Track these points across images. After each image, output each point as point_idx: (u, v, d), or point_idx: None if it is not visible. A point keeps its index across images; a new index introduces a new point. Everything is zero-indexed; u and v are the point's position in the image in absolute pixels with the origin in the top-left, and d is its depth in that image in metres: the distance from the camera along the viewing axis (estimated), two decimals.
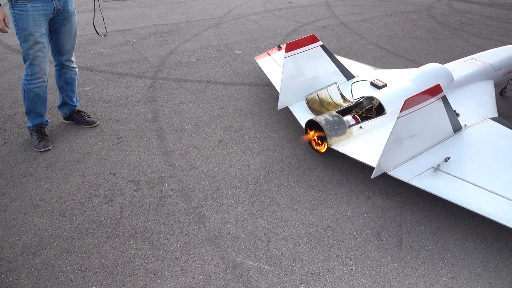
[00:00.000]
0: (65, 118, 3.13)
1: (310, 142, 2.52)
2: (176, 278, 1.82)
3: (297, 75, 2.79)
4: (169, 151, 2.77)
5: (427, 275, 1.82)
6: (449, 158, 2.14)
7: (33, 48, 2.51)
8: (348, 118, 2.48)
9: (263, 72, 3.57)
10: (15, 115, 3.27)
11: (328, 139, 2.35)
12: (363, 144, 2.37)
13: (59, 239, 2.04)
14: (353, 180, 2.46)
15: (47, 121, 2.91)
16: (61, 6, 2.54)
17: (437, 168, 2.09)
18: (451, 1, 7.29)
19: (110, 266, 1.88)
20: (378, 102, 2.54)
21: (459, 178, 2.04)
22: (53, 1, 2.47)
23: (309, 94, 2.82)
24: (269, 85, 3.70)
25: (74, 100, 3.07)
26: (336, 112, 2.52)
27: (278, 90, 2.92)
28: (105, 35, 3.02)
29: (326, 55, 2.90)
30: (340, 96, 2.84)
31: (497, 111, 2.59)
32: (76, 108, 3.11)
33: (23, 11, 2.40)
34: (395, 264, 1.88)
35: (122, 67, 4.26)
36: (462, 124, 2.39)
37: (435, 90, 2.05)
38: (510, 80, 3.42)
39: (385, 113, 2.51)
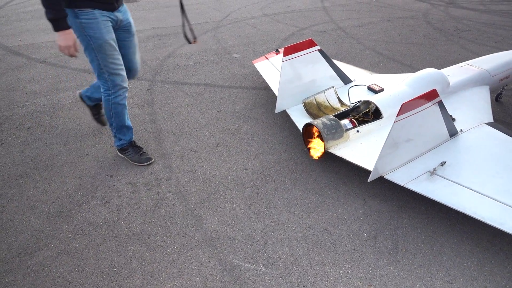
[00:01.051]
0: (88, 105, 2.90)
1: (306, 144, 2.54)
2: (173, 280, 1.82)
3: (295, 79, 2.81)
4: (166, 154, 2.77)
5: (422, 278, 1.83)
6: (445, 162, 2.16)
7: (111, 56, 2.25)
8: (345, 122, 2.50)
9: (260, 75, 3.59)
10: (13, 116, 3.26)
11: (325, 142, 2.37)
12: (360, 148, 2.38)
13: (56, 240, 2.04)
14: (349, 183, 2.48)
15: (133, 134, 2.71)
16: (123, 17, 2.31)
17: (433, 172, 2.10)
18: (447, 7, 7.35)
19: (107, 267, 1.88)
20: (375, 106, 2.56)
21: (455, 182, 2.06)
22: (114, 13, 2.23)
23: (307, 98, 2.84)
24: (267, 88, 3.72)
25: (93, 99, 2.84)
26: (333, 116, 2.54)
27: (276, 93, 2.93)
28: (195, 41, 2.71)
29: (323, 59, 2.92)
30: (337, 100, 2.86)
31: (493, 116, 2.61)
32: (100, 103, 2.84)
33: (91, 18, 2.11)
34: (391, 267, 1.89)
35: None
36: (458, 129, 2.41)
37: (431, 95, 2.07)
38: (505, 85, 3.46)
39: (382, 117, 2.52)
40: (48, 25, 5.99)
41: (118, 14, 2.27)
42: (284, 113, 2.90)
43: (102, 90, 2.42)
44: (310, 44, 2.81)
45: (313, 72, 2.88)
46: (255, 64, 3.74)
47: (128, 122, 2.61)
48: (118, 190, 2.41)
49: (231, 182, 2.48)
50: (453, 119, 2.48)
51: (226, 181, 2.49)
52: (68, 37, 2.05)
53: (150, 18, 6.38)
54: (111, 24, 2.24)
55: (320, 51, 2.89)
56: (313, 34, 5.59)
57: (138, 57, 2.57)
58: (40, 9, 6.82)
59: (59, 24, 2.01)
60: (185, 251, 1.98)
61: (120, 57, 2.33)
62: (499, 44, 5.30)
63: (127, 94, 2.48)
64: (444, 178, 2.09)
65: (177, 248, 1.99)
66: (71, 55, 2.14)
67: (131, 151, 2.66)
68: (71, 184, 2.46)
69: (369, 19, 6.47)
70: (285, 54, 2.70)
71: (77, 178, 2.52)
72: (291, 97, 2.84)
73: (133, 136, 2.70)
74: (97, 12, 2.13)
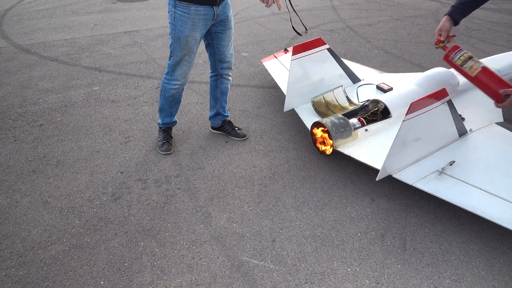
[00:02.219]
0: (214, 128, 3.04)
1: (315, 143, 2.55)
2: (182, 275, 1.85)
3: (304, 78, 2.82)
4: (176, 151, 2.80)
5: (430, 277, 1.84)
6: (454, 161, 2.16)
7: (182, 51, 2.43)
8: (353, 120, 2.50)
9: (269, 74, 3.60)
10: (25, 113, 3.32)
11: (333, 141, 2.38)
12: (369, 146, 2.39)
13: (68, 235, 2.08)
14: (357, 182, 2.49)
15: (175, 121, 2.88)
16: (221, 12, 2.43)
17: (442, 172, 2.10)
18: None
19: (117, 262, 1.92)
20: (383, 105, 2.56)
21: (463, 182, 2.06)
22: (214, 7, 2.37)
23: (315, 96, 2.85)
24: (275, 87, 3.74)
25: (226, 110, 2.98)
26: (342, 114, 2.54)
27: (284, 92, 2.95)
28: (305, 33, 2.77)
29: (332, 58, 2.93)
30: (346, 99, 2.87)
31: (503, 116, 2.60)
32: (227, 119, 3.01)
33: (185, 13, 2.33)
34: (399, 266, 1.90)
35: (130, 68, 4.31)
36: (468, 128, 2.40)
37: (440, 94, 2.07)
38: None
39: (390, 117, 2.53)
40: (60, 24, 6.02)
41: (217, 8, 2.40)
42: (292, 112, 2.92)
43: (166, 71, 2.62)
44: (319, 43, 2.82)
45: (321, 71, 2.89)
46: (263, 63, 3.76)
47: (173, 111, 2.79)
48: (128, 186, 2.45)
49: (239, 180, 2.51)
50: (463, 119, 2.47)
51: (235, 179, 2.52)
52: None
53: (159, 17, 6.42)
54: (205, 19, 2.39)
55: (329, 50, 2.90)
56: (322, 33, 5.58)
57: (231, 51, 2.70)
58: (52, 7, 6.91)
59: None
60: (194, 247, 2.01)
61: (193, 56, 2.52)
62: (510, 43, 5.25)
63: (182, 88, 2.67)
64: (453, 177, 2.09)
65: (186, 244, 2.02)
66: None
67: (161, 135, 2.85)
68: (83, 180, 2.51)
69: (378, 18, 6.45)
70: (294, 53, 2.72)
71: (88, 174, 2.56)
72: (300, 95, 2.85)
73: (173, 124, 2.88)
74: (193, 8, 2.32)
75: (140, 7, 7.11)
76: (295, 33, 2.77)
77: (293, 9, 2.66)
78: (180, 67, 2.51)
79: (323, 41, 2.84)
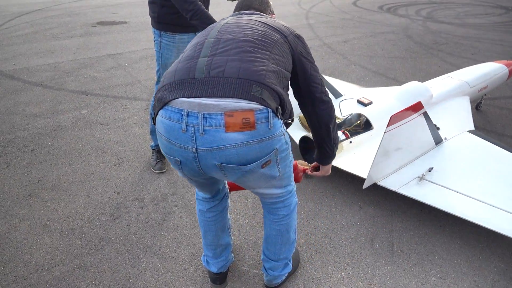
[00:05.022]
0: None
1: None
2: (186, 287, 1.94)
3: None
4: (169, 169, 2.90)
5: (418, 276, 1.99)
6: (433, 168, 2.34)
7: None
8: (338, 133, 2.67)
9: None
10: (15, 139, 3.35)
11: None
12: (354, 157, 2.55)
13: (70, 256, 2.13)
14: (345, 191, 2.64)
15: None
16: None
17: (422, 178, 2.28)
18: (425, 22, 7.73)
19: (122, 279, 1.98)
20: (365, 118, 2.74)
21: (442, 186, 2.24)
22: (196, 33, 2.52)
23: (300, 112, 3.01)
24: None
25: None
26: None
27: None
28: None
29: None
30: None
31: (474, 124, 2.83)
32: None
33: (170, 42, 2.52)
34: (388, 267, 2.04)
35: (117, 90, 4.40)
36: (443, 137, 2.60)
37: (417, 107, 2.26)
38: (484, 95, 3.71)
39: (372, 129, 2.71)
40: (41, 49, 6.06)
41: None
42: None
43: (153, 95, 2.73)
44: None
45: None
46: None
47: None
48: (126, 206, 2.52)
49: (233, 194, 2.62)
50: (438, 128, 2.67)
51: (229, 194, 2.62)
52: None
53: (140, 39, 6.54)
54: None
55: None
56: None
57: None
58: (32, 32, 6.93)
59: None
60: (195, 260, 2.10)
61: None
62: (475, 56, 5.62)
63: None
64: (432, 182, 2.27)
65: (188, 258, 2.11)
66: None
67: (154, 155, 2.95)
68: (80, 202, 2.56)
69: (353, 34, 6.77)
70: None
71: (85, 196, 2.62)
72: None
73: None
74: (177, 37, 2.51)
75: (120, 30, 7.22)
76: None
77: None
78: None
79: None
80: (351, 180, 2.71)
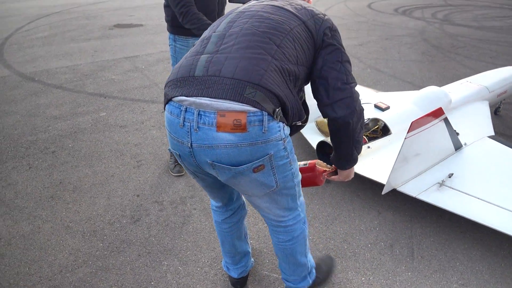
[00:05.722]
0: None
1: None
2: None
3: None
4: (187, 173, 2.93)
5: (439, 282, 1.98)
6: (453, 174, 2.32)
7: None
8: None
9: None
10: (37, 141, 3.43)
11: None
12: (372, 162, 2.55)
13: (93, 258, 2.17)
14: (363, 196, 2.64)
15: None
16: None
17: (442, 184, 2.26)
18: (442, 24, 7.65)
19: (144, 281, 2.02)
20: (383, 123, 2.73)
21: (462, 192, 2.22)
22: None
23: (318, 116, 3.01)
24: None
25: None
26: None
27: None
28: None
29: None
30: None
31: (493, 129, 2.80)
32: None
33: (184, 46, 2.54)
34: (409, 273, 2.03)
35: (134, 93, 4.46)
36: (462, 143, 2.58)
37: (438, 113, 2.25)
38: (503, 100, 3.66)
39: (390, 134, 2.70)
40: (60, 51, 6.16)
41: None
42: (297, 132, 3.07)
43: None
44: None
45: None
46: None
47: None
48: (146, 208, 2.56)
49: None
50: (457, 134, 2.65)
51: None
52: None
53: (157, 41, 6.62)
54: None
55: None
56: None
57: None
58: (50, 35, 7.07)
59: None
60: (215, 264, 2.12)
61: None
62: (494, 59, 5.54)
63: None
64: (452, 188, 2.25)
65: (208, 261, 2.13)
66: None
67: (172, 159, 2.98)
68: (101, 204, 2.61)
69: (368, 37, 6.74)
70: None
71: (105, 198, 2.67)
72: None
73: None
74: (191, 41, 2.51)
75: (137, 33, 7.32)
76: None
77: None
78: None
79: None
80: (369, 185, 2.70)
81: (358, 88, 3.64)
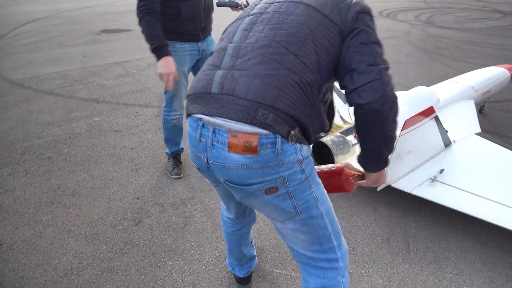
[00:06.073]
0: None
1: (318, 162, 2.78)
2: None
3: None
4: (186, 175, 2.97)
5: (434, 272, 2.07)
6: (444, 169, 2.43)
7: (175, 85, 2.56)
8: (350, 138, 2.75)
9: None
10: (31, 147, 3.42)
11: (335, 157, 2.61)
12: None
13: (97, 260, 2.20)
14: (358, 193, 2.72)
15: (182, 148, 3.07)
16: (206, 47, 2.65)
17: (434, 179, 2.37)
18: (425, 27, 7.86)
19: (150, 281, 2.05)
20: None
21: (453, 187, 2.33)
22: (198, 43, 2.58)
23: None
24: None
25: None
26: (339, 133, 2.80)
27: None
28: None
29: None
30: (340, 118, 3.13)
31: (480, 126, 2.92)
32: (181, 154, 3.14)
33: (172, 50, 2.48)
34: (406, 265, 2.12)
35: (127, 98, 4.48)
36: (451, 140, 2.70)
37: (429, 111, 2.36)
38: (487, 99, 3.81)
39: None
40: (49, 57, 6.14)
41: (202, 44, 2.61)
42: None
43: (164, 104, 2.79)
44: None
45: None
46: None
47: (178, 139, 2.98)
48: (147, 211, 2.60)
49: None
50: (446, 131, 2.77)
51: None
52: (169, 64, 2.28)
53: (146, 46, 6.57)
54: (191, 54, 2.59)
55: None
56: None
57: None
58: (38, 40, 7.01)
59: (161, 51, 2.27)
60: (219, 262, 2.17)
61: (184, 88, 2.70)
62: (477, 60, 5.73)
63: (182, 117, 2.85)
64: (444, 183, 2.36)
65: (212, 260, 2.18)
66: (169, 83, 2.31)
67: (171, 161, 3.02)
68: (101, 207, 2.63)
69: None
70: None
71: (105, 202, 2.69)
72: None
73: (181, 151, 3.07)
74: (178, 46, 2.49)
75: (125, 38, 7.32)
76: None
77: None
78: (176, 99, 2.72)
79: None
80: None
81: None
